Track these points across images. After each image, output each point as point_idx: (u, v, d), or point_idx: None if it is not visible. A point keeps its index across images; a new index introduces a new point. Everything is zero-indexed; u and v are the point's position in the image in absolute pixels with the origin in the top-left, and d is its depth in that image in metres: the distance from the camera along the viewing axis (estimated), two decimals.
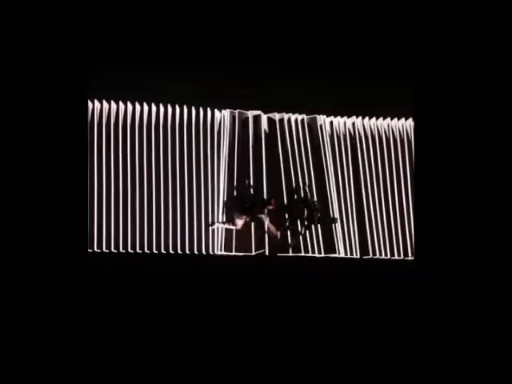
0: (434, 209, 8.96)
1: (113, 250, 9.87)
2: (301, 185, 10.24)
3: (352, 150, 10.69)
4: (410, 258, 10.39)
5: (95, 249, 9.78)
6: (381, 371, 8.39)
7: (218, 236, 10.23)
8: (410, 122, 10.75)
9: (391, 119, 10.77)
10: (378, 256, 10.39)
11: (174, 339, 8.50)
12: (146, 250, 9.96)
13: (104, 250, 9.84)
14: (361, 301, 9.10)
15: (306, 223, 10.05)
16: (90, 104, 10.00)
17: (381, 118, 10.79)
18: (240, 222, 10.11)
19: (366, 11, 9.28)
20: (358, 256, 10.40)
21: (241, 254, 10.19)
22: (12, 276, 8.16)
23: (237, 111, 10.60)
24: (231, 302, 8.87)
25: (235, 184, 10.34)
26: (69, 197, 8.59)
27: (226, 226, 10.17)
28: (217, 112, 10.56)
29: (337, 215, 10.41)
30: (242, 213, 10.11)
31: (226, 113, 10.54)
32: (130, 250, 9.91)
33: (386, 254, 10.37)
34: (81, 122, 9.04)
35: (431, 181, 9.05)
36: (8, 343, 7.91)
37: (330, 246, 10.33)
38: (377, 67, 9.80)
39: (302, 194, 10.21)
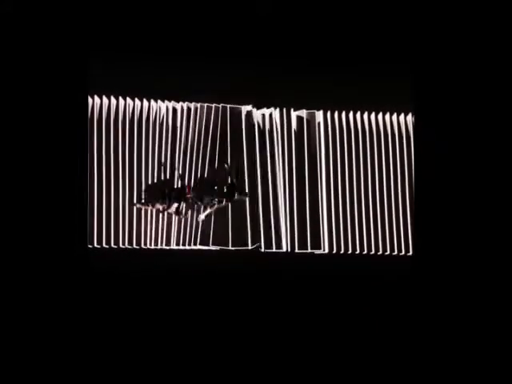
0: (434, 202, 9.01)
1: (113, 245, 9.91)
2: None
3: (349, 144, 10.65)
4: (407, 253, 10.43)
5: (95, 244, 9.83)
6: (380, 372, 8.43)
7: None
8: (409, 117, 10.73)
9: (391, 114, 10.75)
10: (375, 252, 10.40)
11: (175, 337, 8.58)
12: (146, 245, 10.00)
13: (104, 245, 9.89)
14: (357, 298, 9.15)
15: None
16: (89, 100, 10.04)
17: (381, 113, 10.76)
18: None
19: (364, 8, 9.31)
20: (357, 252, 10.41)
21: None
22: (11, 270, 8.24)
23: (227, 105, 10.52)
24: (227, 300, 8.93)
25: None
26: (69, 192, 8.66)
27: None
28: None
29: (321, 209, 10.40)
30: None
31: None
32: (127, 245, 9.96)
33: (384, 250, 10.38)
34: (81, 118, 9.10)
35: (431, 174, 9.09)
36: (6, 341, 8.00)
37: (315, 241, 10.33)
38: (376, 65, 9.83)
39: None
